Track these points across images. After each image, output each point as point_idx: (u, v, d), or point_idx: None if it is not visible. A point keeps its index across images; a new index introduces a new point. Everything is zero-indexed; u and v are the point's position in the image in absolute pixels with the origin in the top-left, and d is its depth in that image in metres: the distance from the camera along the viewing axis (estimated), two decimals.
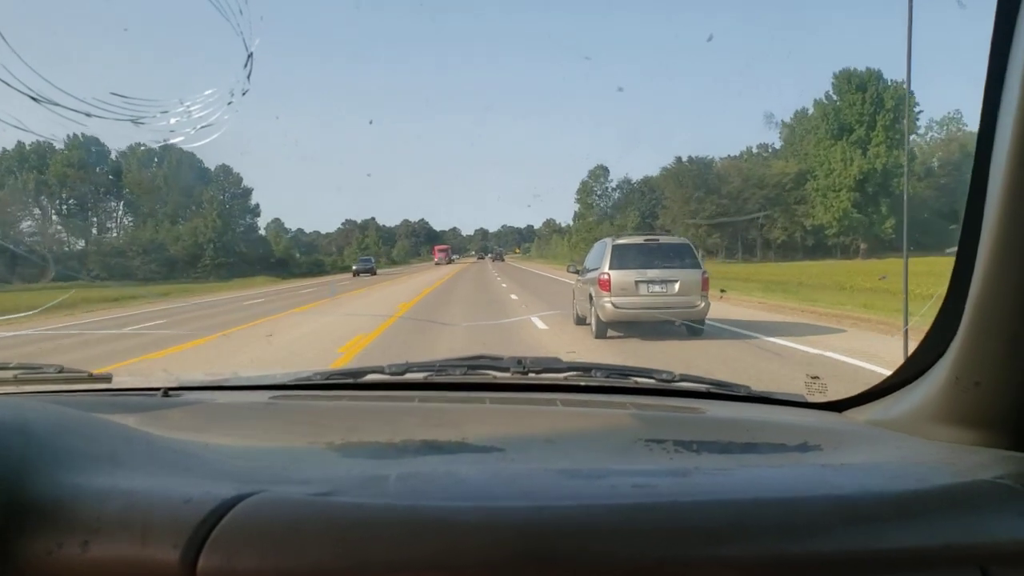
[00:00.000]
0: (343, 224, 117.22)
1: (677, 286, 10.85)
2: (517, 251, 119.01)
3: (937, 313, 1.15)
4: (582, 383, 1.70)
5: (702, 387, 1.67)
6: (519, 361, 1.73)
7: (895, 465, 1.09)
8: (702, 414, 1.51)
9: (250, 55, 1.83)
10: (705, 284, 10.90)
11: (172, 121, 1.75)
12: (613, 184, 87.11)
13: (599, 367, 1.74)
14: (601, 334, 11.03)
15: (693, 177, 67.89)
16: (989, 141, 0.97)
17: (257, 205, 73.91)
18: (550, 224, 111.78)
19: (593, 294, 11.23)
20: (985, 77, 0.99)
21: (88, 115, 1.56)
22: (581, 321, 12.41)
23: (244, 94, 1.84)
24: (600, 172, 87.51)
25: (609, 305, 10.74)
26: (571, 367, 1.76)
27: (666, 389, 1.67)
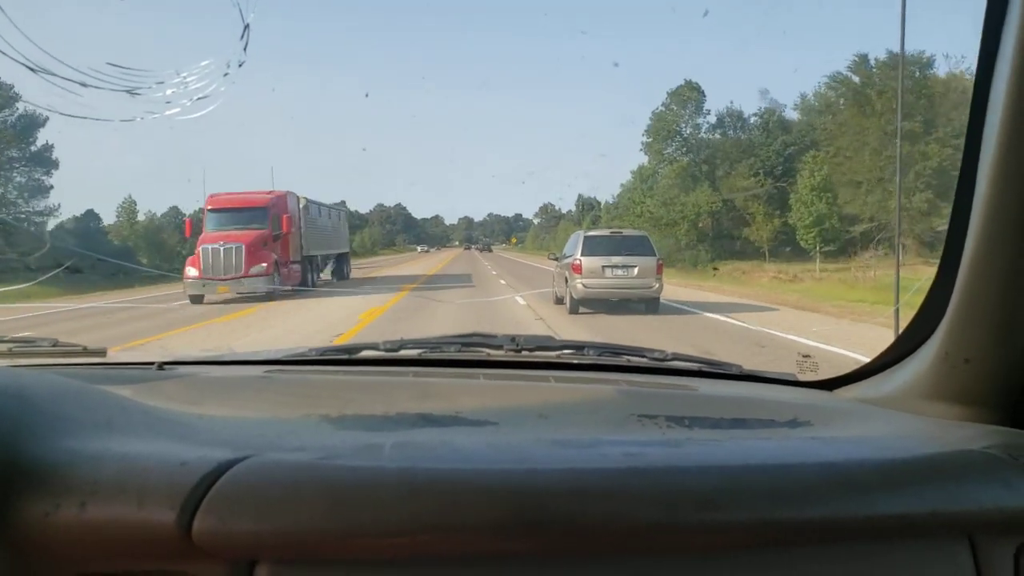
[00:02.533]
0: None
1: (636, 270, 13.03)
2: (514, 240, 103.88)
3: (927, 292, 1.17)
4: (575, 361, 1.71)
5: (694, 366, 1.69)
6: (512, 339, 1.74)
7: (884, 438, 1.12)
8: (694, 391, 1.53)
9: (247, 27, 1.80)
10: (659, 269, 13.21)
11: (168, 92, 1.70)
12: (712, 119, 45.96)
13: (592, 345, 1.76)
14: (574, 310, 13.01)
15: (891, 97, 30.90)
16: (980, 123, 0.99)
17: (50, 149, 35.80)
18: (547, 210, 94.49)
19: (568, 277, 13.24)
20: (977, 60, 1.01)
21: (84, 85, 1.52)
22: (559, 301, 14.18)
23: (240, 66, 1.79)
24: (690, 95, 44.98)
25: (580, 286, 12.81)
26: (564, 345, 1.78)
27: (658, 367, 1.68)
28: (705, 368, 1.68)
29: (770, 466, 0.89)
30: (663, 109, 46.56)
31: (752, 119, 45.81)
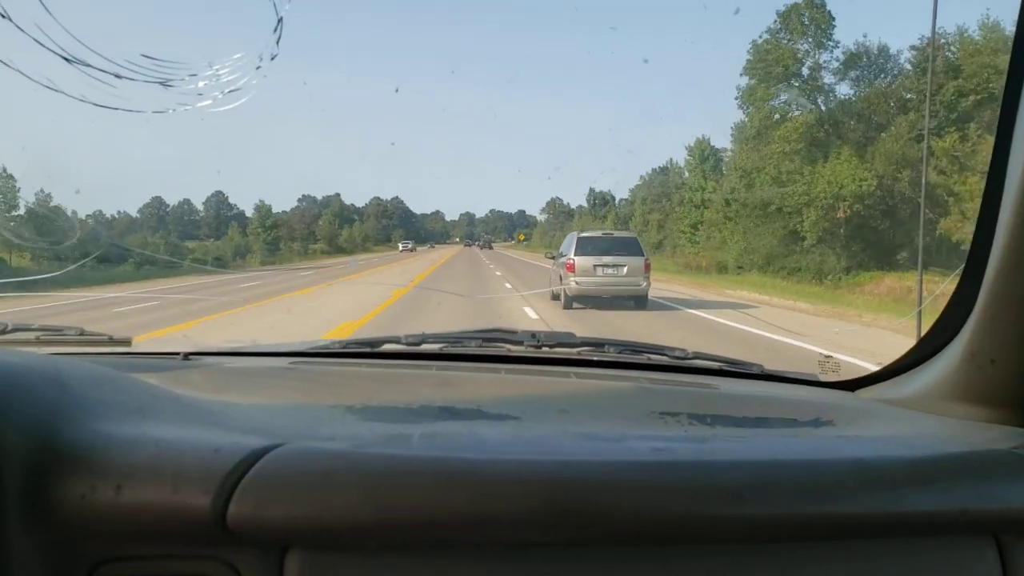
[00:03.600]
0: (299, 200, 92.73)
1: (625, 269, 13.97)
2: (521, 237, 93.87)
3: (953, 292, 1.17)
4: (595, 358, 1.72)
5: (714, 364, 1.69)
6: (533, 335, 1.75)
7: (910, 437, 1.12)
8: (715, 390, 1.54)
9: (280, 19, 1.80)
10: (647, 268, 14.24)
11: (200, 84, 1.71)
12: (836, 51, 29.07)
13: (612, 343, 1.76)
14: (568, 306, 13.83)
15: None
16: (1011, 120, 1.00)
17: None
18: (555, 205, 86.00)
19: (562, 275, 14.15)
20: (1009, 57, 1.00)
21: (118, 76, 1.54)
22: (556, 297, 14.84)
23: (273, 59, 1.81)
24: (813, 16, 28.34)
25: (573, 283, 13.70)
26: (585, 342, 1.78)
27: (679, 366, 1.69)
28: (726, 367, 1.68)
29: (798, 462, 0.89)
30: (767, 38, 28.99)
31: (906, 56, 28.59)
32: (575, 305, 13.88)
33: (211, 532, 0.77)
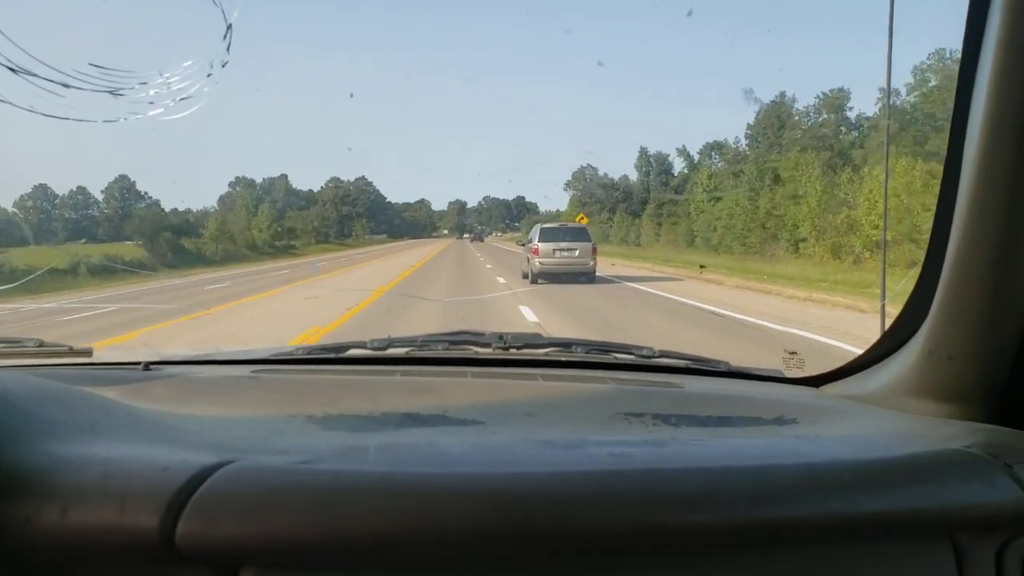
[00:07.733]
0: (231, 185, 72.67)
1: (577, 252, 18.01)
2: (585, 220, 62.18)
3: (912, 289, 1.19)
4: (563, 358, 1.72)
5: (681, 363, 1.70)
6: (500, 336, 1.75)
7: (868, 436, 1.13)
8: (681, 389, 1.54)
9: (229, 26, 1.77)
10: (594, 251, 18.29)
11: (151, 93, 1.67)
12: None
13: (580, 343, 1.77)
14: (533, 281, 17.77)
15: None
16: (963, 124, 1.01)
17: None
18: (587, 176, 61.89)
19: (529, 257, 18.44)
20: (960, 61, 1.03)
21: (66, 86, 1.50)
22: (525, 276, 18.89)
23: (224, 66, 1.77)
24: None
25: (538, 263, 17.88)
26: (552, 343, 1.78)
27: (646, 364, 1.69)
28: (692, 365, 1.69)
29: (752, 467, 0.89)
30: None
31: None
32: (539, 281, 17.58)
33: (161, 553, 0.76)
